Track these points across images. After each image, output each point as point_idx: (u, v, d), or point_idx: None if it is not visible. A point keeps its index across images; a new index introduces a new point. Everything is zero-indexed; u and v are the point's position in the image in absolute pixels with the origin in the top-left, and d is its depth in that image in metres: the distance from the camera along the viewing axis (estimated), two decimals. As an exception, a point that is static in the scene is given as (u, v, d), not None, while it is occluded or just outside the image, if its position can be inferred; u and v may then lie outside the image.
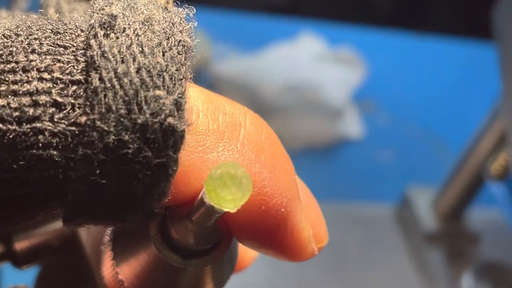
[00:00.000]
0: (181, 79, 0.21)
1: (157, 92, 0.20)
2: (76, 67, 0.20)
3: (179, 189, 0.22)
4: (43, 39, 0.21)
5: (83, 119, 0.20)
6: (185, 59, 0.21)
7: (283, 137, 1.02)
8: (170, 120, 0.20)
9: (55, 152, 0.20)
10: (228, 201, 0.21)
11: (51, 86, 0.20)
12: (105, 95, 0.20)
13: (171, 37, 0.21)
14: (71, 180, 0.20)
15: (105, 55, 0.20)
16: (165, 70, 0.20)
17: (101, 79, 0.20)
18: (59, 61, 0.20)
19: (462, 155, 0.87)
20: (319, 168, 0.99)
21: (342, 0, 1.45)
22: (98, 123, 0.20)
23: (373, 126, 1.06)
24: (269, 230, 0.23)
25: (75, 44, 0.21)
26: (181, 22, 0.22)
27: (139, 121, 0.20)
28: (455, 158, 0.91)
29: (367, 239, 0.92)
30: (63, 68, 0.20)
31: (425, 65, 1.22)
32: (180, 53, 0.21)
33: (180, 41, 0.21)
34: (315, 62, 1.06)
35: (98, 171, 0.20)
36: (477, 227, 0.93)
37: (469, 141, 0.87)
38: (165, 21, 0.22)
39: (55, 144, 0.20)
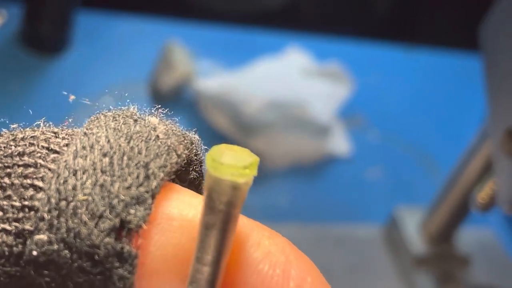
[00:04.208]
0: None
1: None
2: None
3: None
4: None
5: None
6: None
7: (267, 156, 1.00)
8: None
9: None
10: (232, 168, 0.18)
11: None
12: None
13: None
14: None
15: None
16: None
17: None
18: None
19: (452, 176, 0.84)
20: (305, 188, 0.95)
21: (332, 12, 1.42)
22: None
23: (362, 143, 1.03)
24: None
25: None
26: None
27: None
28: (446, 176, 0.88)
29: (353, 261, 0.89)
30: None
31: (415, 79, 1.18)
32: None
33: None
34: (301, 77, 1.02)
35: None
36: (468, 248, 0.90)
37: (459, 160, 0.83)
38: None
39: None
